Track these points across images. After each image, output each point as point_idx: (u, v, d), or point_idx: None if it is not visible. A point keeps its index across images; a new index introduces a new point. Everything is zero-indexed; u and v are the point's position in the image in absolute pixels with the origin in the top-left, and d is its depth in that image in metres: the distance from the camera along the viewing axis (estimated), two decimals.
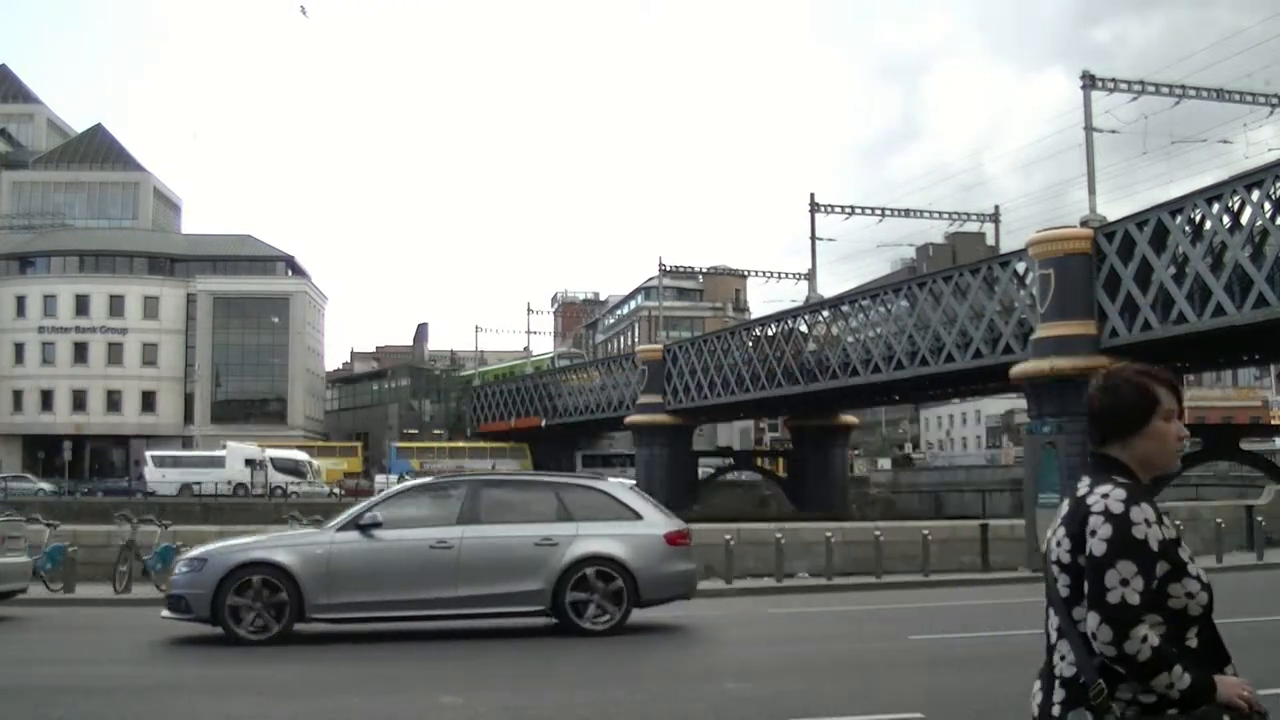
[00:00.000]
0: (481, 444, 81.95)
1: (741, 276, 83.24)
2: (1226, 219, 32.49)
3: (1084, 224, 36.33)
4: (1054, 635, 2.67)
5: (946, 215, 59.94)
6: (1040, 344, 36.00)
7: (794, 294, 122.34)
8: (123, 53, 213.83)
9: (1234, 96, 40.06)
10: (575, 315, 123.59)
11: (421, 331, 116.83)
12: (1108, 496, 2.58)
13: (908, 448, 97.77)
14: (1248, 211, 31.72)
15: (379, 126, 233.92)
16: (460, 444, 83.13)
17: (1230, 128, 42.39)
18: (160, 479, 60.37)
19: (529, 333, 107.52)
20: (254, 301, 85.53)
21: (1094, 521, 2.56)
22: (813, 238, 57.00)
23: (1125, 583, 2.47)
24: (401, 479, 72.57)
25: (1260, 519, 23.83)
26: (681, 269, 76.54)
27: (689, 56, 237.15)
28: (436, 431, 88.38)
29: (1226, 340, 35.23)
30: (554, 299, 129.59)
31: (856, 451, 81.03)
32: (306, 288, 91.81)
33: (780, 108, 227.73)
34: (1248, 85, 40.36)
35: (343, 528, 11.69)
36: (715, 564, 19.51)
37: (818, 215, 56.56)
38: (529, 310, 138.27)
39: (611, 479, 13.93)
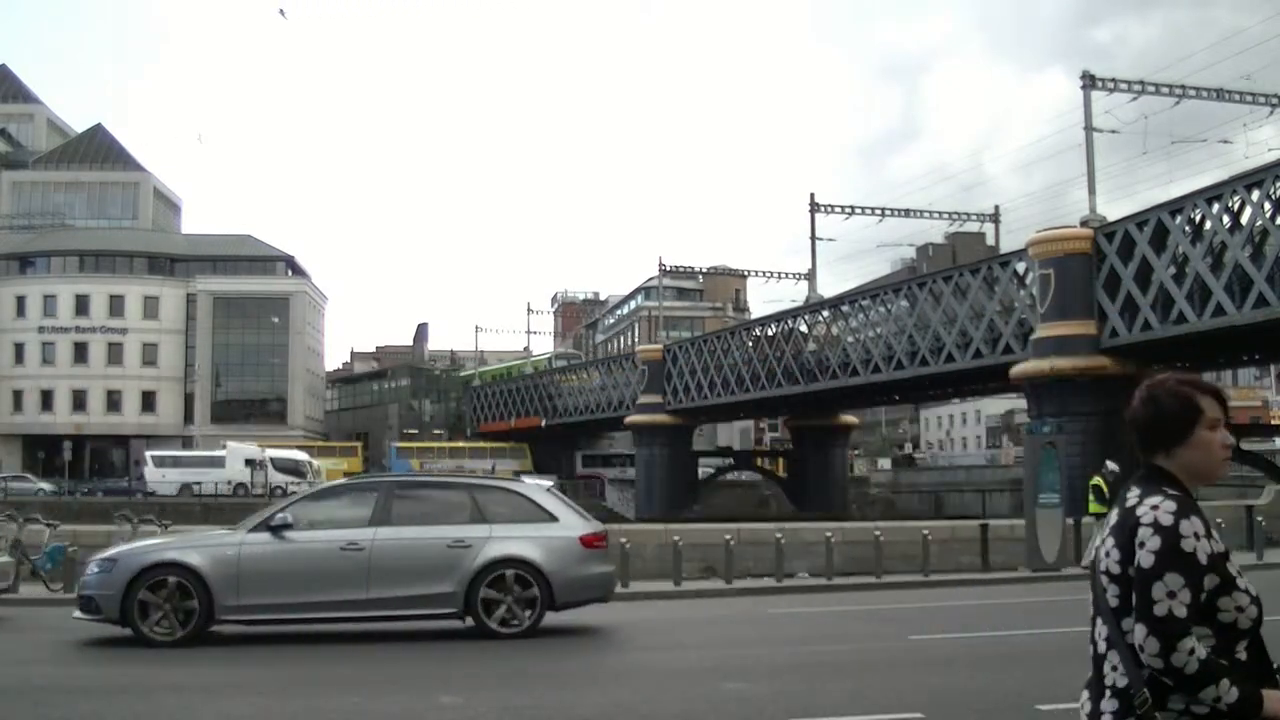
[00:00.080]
0: (481, 444, 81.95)
1: (741, 276, 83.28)
2: (1226, 219, 32.50)
3: (1084, 224, 36.35)
4: (1103, 646, 2.67)
5: (946, 215, 60.01)
6: (1040, 344, 36.01)
7: (794, 294, 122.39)
8: (123, 53, 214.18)
9: (1234, 96, 40.07)
10: (575, 315, 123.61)
11: (421, 331, 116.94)
12: (1157, 508, 2.58)
13: (908, 448, 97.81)
14: (1248, 211, 31.72)
15: (379, 127, 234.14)
16: (460, 444, 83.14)
17: (1230, 128, 42.43)
18: (160, 479, 60.40)
19: (529, 333, 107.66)
20: (254, 301, 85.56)
21: (1143, 533, 2.56)
22: (813, 238, 57.07)
23: (1172, 595, 2.48)
24: None
25: (1260, 519, 23.81)
26: (681, 269, 76.57)
27: (689, 57, 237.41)
28: (436, 431, 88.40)
29: (1226, 340, 35.23)
30: (554, 299, 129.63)
31: (856, 451, 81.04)
32: (306, 288, 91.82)
33: (780, 108, 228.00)
34: (1248, 85, 40.37)
35: (254, 529, 11.57)
36: (715, 564, 19.54)
37: (818, 215, 56.65)
38: (529, 310, 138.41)
39: (529, 480, 13.82)
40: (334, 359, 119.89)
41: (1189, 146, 51.67)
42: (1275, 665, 2.61)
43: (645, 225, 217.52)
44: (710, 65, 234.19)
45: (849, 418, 63.62)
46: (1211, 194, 32.84)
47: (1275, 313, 29.77)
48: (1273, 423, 72.00)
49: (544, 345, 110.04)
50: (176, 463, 63.99)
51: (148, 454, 65.76)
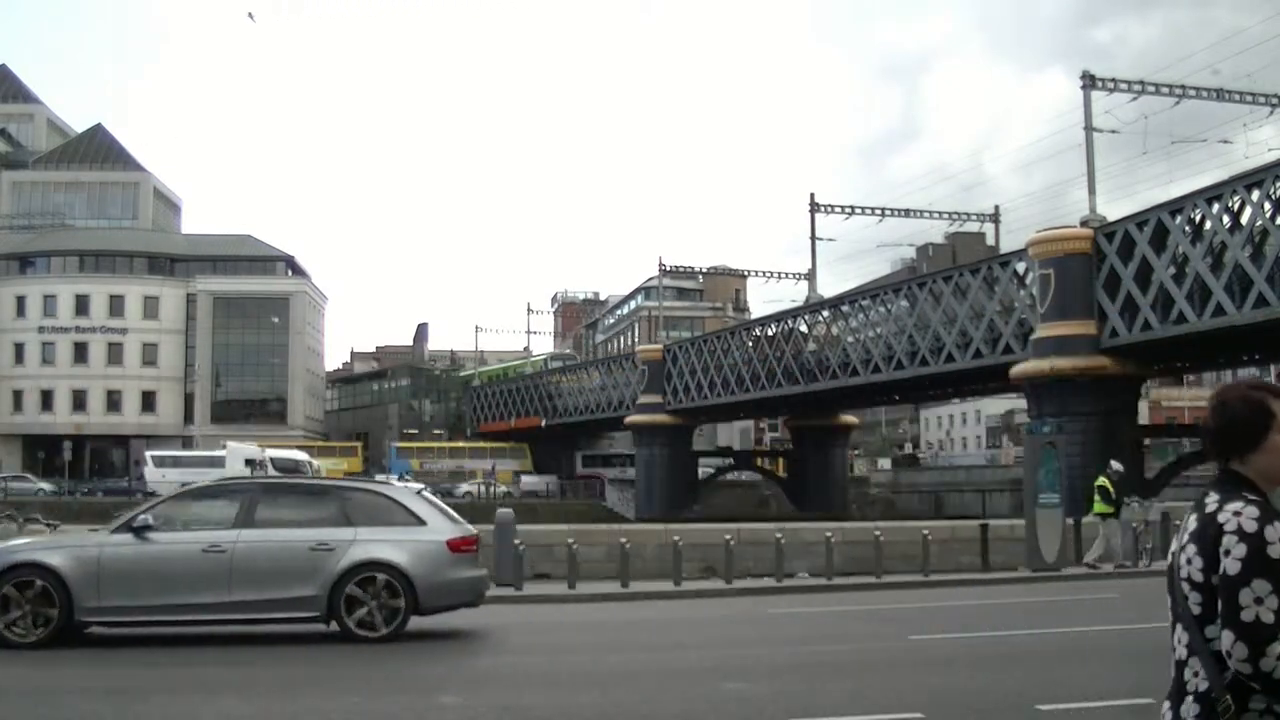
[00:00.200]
0: (481, 444, 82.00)
1: (741, 276, 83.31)
2: (1226, 219, 32.50)
3: (1084, 224, 36.37)
4: (1184, 652, 2.69)
5: (946, 215, 60.06)
6: (1040, 344, 36.02)
7: (794, 294, 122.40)
8: (123, 53, 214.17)
9: (1234, 96, 40.08)
10: (575, 315, 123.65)
11: (421, 331, 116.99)
12: (1240, 514, 2.60)
13: (908, 447, 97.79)
14: (1248, 211, 31.72)
15: (379, 127, 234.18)
16: (460, 444, 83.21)
17: (1230, 128, 42.44)
18: (160, 479, 60.29)
19: (529, 333, 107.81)
20: (254, 301, 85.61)
21: (1228, 540, 2.58)
22: (813, 238, 57.13)
23: (1259, 601, 2.50)
24: (402, 479, 72.73)
25: None
26: (681, 269, 76.61)
27: (688, 57, 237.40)
28: (436, 431, 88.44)
29: (1226, 340, 35.24)
30: (554, 299, 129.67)
31: (856, 451, 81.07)
32: (306, 288, 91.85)
33: (780, 108, 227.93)
34: (1248, 85, 40.38)
35: (117, 529, 11.47)
36: (715, 564, 19.54)
37: (818, 215, 56.71)
38: (529, 310, 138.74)
39: (398, 484, 13.74)
40: (334, 359, 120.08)
41: (1189, 146, 51.72)
42: None
43: (645, 225, 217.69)
44: (710, 65, 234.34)
45: (849, 418, 63.66)
46: (1211, 194, 32.85)
47: (1275, 313, 29.78)
48: None
49: (544, 345, 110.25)
50: (176, 463, 63.89)
51: (147, 454, 65.75)
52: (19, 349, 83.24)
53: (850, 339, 50.08)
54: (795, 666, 10.20)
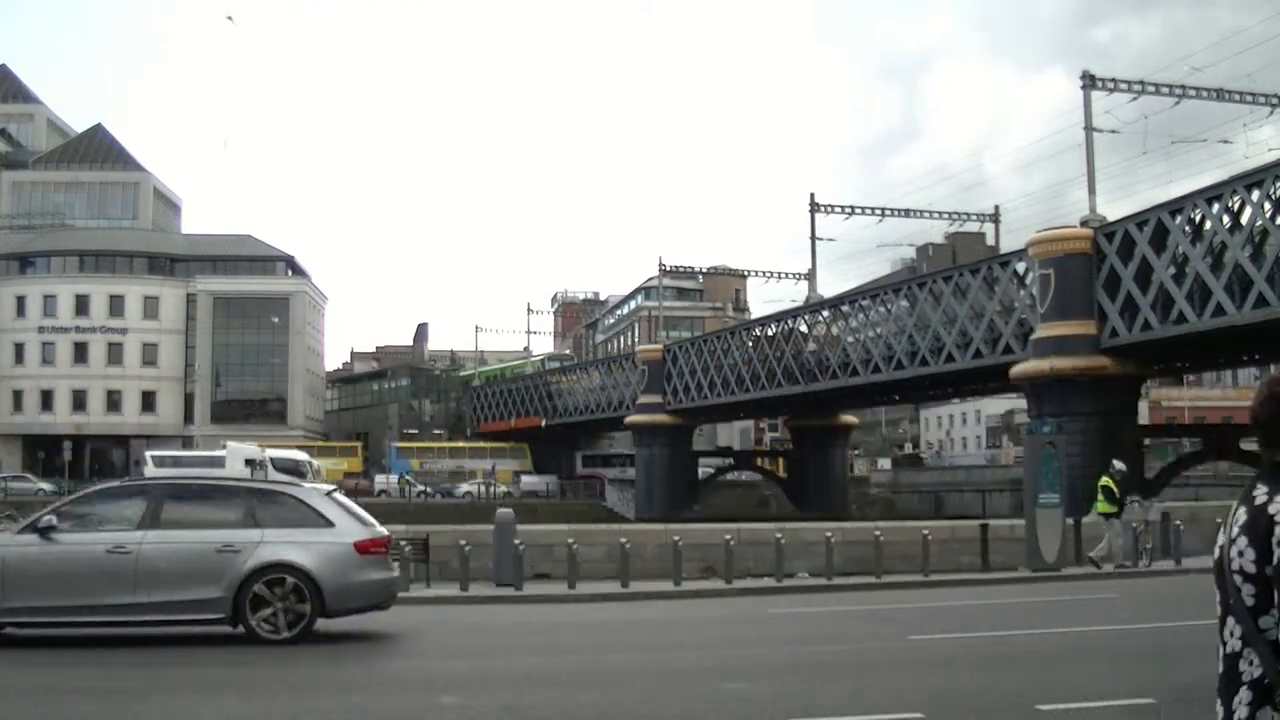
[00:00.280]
0: (481, 444, 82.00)
1: (741, 276, 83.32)
2: (1226, 219, 32.50)
3: (1084, 224, 36.36)
4: (1237, 644, 2.70)
5: (946, 215, 60.04)
6: (1040, 344, 36.02)
7: (794, 294, 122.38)
8: (123, 53, 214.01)
9: (1234, 96, 40.07)
10: (575, 315, 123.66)
11: (421, 331, 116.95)
12: None
13: (908, 447, 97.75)
14: (1248, 211, 31.72)
15: (378, 127, 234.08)
16: (460, 444, 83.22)
17: (1230, 128, 42.42)
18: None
19: (529, 333, 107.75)
20: (254, 301, 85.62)
21: None
22: (813, 238, 57.13)
23: None
24: (402, 479, 72.61)
25: None
26: (681, 269, 76.61)
27: (688, 57, 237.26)
28: (436, 431, 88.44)
29: (1226, 340, 35.24)
30: (554, 299, 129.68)
31: (856, 451, 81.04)
32: (306, 288, 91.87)
33: (780, 108, 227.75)
34: (1248, 85, 40.38)
35: (21, 530, 11.41)
36: (715, 564, 19.55)
37: (818, 215, 56.70)
38: (529, 310, 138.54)
39: (309, 486, 13.63)
40: (334, 359, 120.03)
41: (1189, 146, 51.68)
42: None
43: (645, 225, 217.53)
44: (710, 65, 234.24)
45: (849, 418, 63.66)
46: (1211, 194, 32.85)
47: (1275, 313, 29.77)
48: None
49: (544, 345, 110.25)
50: (176, 463, 63.73)
51: (147, 454, 65.65)
52: (19, 349, 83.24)
53: (850, 339, 50.09)
54: (795, 666, 10.20)
